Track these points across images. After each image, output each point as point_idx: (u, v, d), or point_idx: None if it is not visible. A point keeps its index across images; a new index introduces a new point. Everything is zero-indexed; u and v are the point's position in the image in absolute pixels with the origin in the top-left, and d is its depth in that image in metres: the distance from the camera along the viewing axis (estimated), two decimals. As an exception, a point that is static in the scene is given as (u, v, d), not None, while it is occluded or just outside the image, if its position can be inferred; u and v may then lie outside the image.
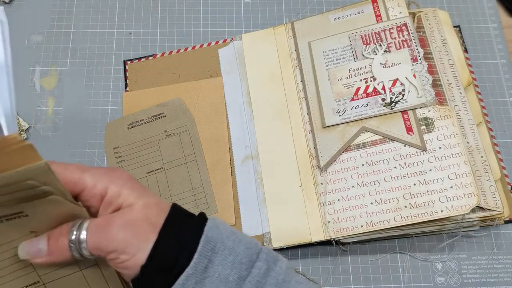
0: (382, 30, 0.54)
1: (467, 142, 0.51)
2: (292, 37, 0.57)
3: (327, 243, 0.51)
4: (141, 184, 0.34)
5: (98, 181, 0.31)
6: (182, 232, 0.32)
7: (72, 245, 0.30)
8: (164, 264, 0.31)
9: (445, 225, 0.49)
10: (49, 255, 0.31)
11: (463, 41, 0.59)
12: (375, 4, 0.56)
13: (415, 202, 0.48)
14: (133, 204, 0.32)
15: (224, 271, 0.31)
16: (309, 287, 0.34)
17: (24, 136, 0.56)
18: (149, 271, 0.31)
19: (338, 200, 0.50)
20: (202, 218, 0.34)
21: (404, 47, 0.53)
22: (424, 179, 0.49)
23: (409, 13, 0.55)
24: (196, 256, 0.31)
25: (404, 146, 0.50)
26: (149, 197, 0.33)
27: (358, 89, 0.53)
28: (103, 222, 0.31)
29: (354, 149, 0.51)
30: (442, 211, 0.47)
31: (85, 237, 0.30)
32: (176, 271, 0.31)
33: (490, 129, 0.55)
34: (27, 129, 0.57)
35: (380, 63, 0.53)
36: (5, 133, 0.29)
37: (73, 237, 0.30)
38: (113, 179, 0.32)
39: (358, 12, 0.56)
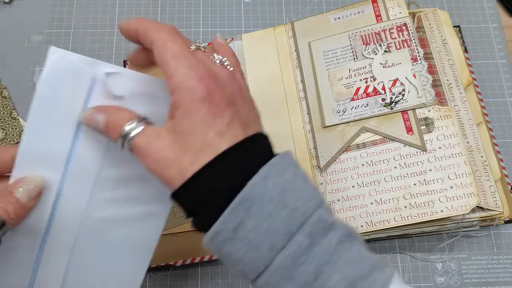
0: (382, 30, 0.54)
1: (467, 142, 0.51)
2: (292, 37, 0.57)
3: (327, 243, 0.51)
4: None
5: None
6: (219, 179, 0.29)
7: (122, 135, 0.31)
8: (189, 207, 0.30)
9: (445, 225, 0.49)
10: (104, 131, 0.32)
11: (463, 41, 0.59)
12: (375, 4, 0.56)
13: (415, 202, 0.48)
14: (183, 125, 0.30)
15: (257, 238, 0.28)
16: (359, 269, 0.28)
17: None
18: (178, 202, 0.30)
19: (338, 200, 0.50)
20: (257, 163, 0.29)
21: (404, 47, 0.53)
22: (424, 179, 0.49)
23: (409, 13, 0.55)
24: (226, 213, 0.28)
25: (404, 146, 0.50)
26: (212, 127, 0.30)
27: (358, 89, 0.53)
28: (150, 133, 0.30)
29: (354, 149, 0.51)
30: (442, 211, 0.47)
31: (133, 135, 0.31)
32: (203, 220, 0.29)
33: (490, 129, 0.55)
34: (27, 129, 0.57)
35: (380, 63, 0.53)
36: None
37: (127, 129, 0.31)
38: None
39: (358, 12, 0.56)
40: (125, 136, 0.31)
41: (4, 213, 0.31)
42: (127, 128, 0.31)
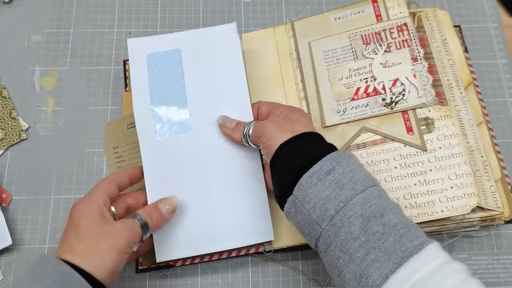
0: (382, 30, 0.54)
1: (468, 142, 0.51)
2: (292, 37, 0.57)
3: (327, 243, 0.51)
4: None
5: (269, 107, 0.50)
6: (316, 142, 0.43)
7: (244, 133, 0.48)
8: (293, 154, 0.42)
9: (445, 225, 0.49)
10: (231, 132, 0.49)
11: (464, 41, 0.59)
12: (375, 4, 0.56)
13: (416, 202, 0.48)
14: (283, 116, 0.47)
15: (343, 180, 0.40)
16: (409, 221, 0.40)
17: (24, 136, 0.56)
18: (281, 155, 0.43)
19: (338, 200, 0.50)
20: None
21: (404, 47, 0.53)
22: (425, 179, 0.48)
23: (409, 13, 0.55)
24: (324, 159, 0.41)
25: (405, 146, 0.50)
26: (297, 121, 0.45)
27: (358, 89, 0.53)
28: (261, 123, 0.47)
29: (354, 149, 0.51)
30: (442, 211, 0.47)
31: (250, 131, 0.47)
32: (303, 161, 0.42)
33: (490, 129, 0.55)
34: (27, 129, 0.57)
35: (381, 63, 0.53)
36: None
37: (245, 130, 0.48)
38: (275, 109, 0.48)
39: (358, 12, 0.56)
40: (247, 130, 0.48)
41: (148, 217, 0.44)
42: (245, 130, 0.48)
